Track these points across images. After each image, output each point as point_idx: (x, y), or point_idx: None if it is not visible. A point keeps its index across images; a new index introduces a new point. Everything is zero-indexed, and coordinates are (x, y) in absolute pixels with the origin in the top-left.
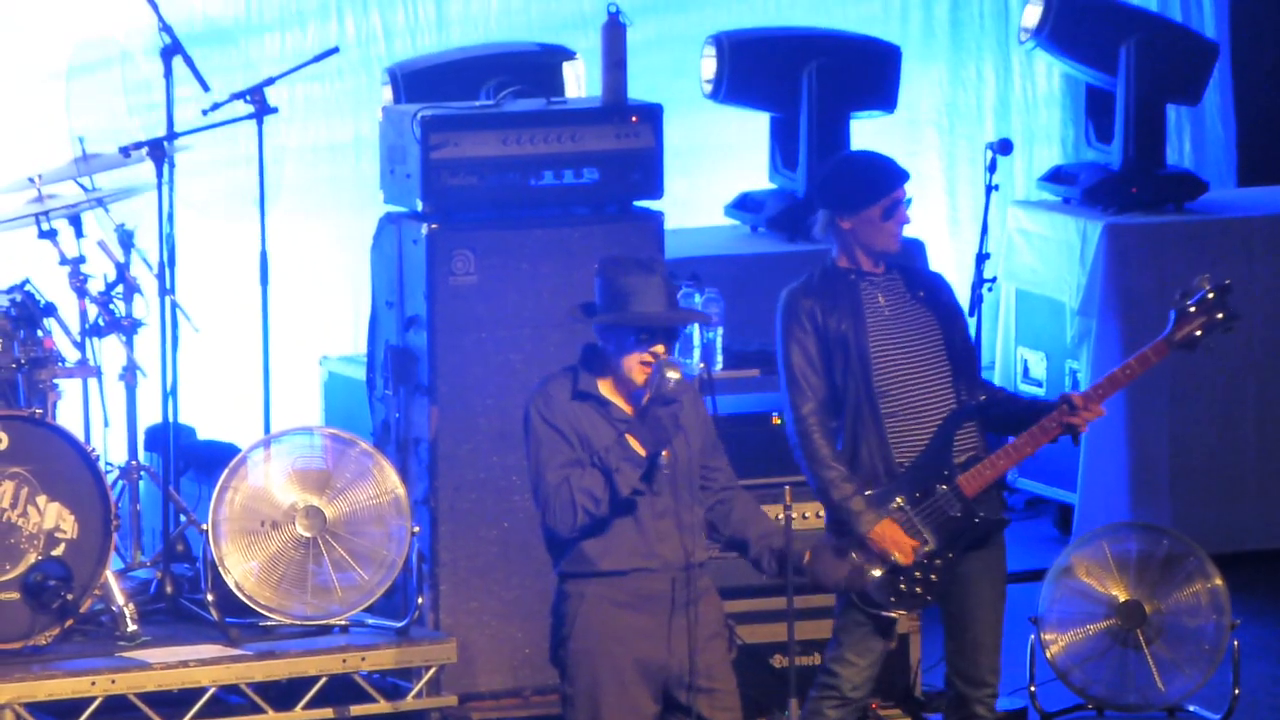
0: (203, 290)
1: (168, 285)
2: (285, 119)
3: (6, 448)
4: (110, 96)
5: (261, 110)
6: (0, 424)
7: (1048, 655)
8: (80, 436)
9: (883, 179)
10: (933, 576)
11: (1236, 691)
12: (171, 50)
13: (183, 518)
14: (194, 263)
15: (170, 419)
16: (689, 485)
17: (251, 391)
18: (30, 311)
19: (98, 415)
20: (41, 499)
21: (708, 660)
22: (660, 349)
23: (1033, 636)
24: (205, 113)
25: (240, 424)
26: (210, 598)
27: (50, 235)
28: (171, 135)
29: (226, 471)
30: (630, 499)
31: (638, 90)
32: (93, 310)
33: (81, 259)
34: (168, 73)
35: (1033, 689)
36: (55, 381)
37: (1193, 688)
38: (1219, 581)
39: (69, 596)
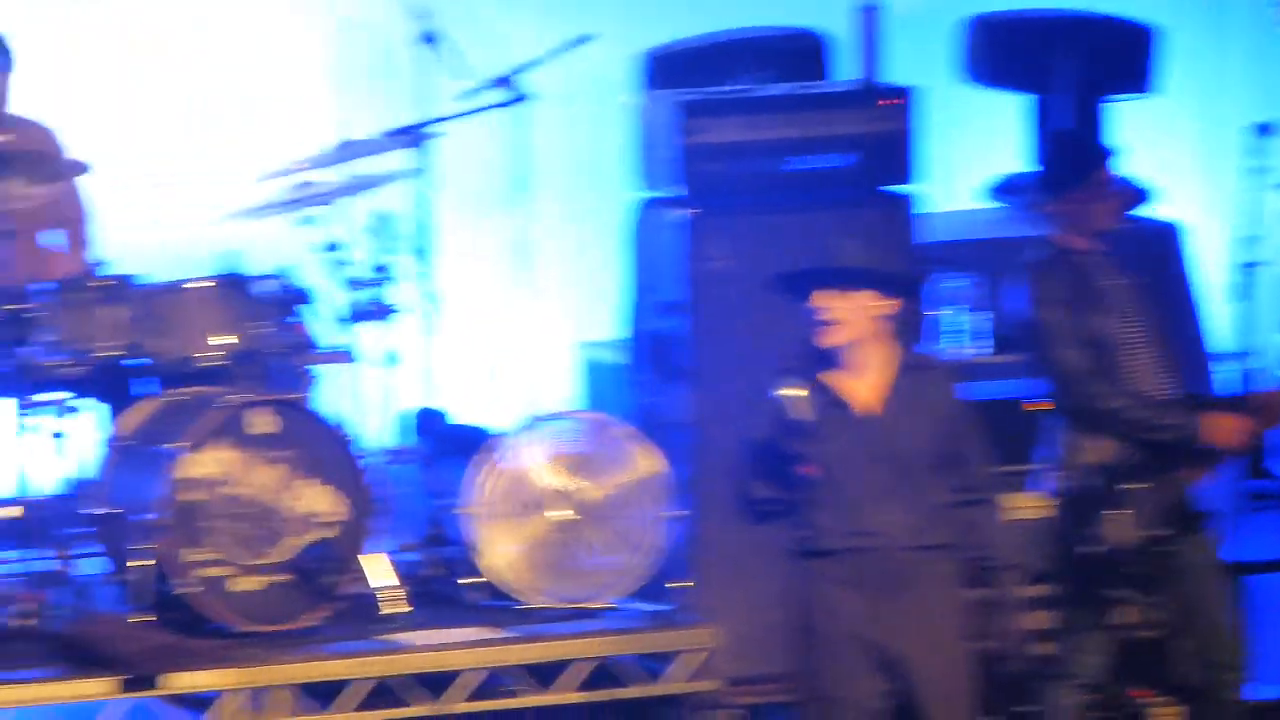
0: (460, 276)
1: (426, 271)
2: (542, 104)
3: (271, 431)
4: (371, 83)
5: (519, 96)
6: (263, 408)
7: None
8: (338, 420)
9: (1090, 158)
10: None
11: None
12: (431, 37)
13: (443, 502)
14: (452, 249)
15: (430, 404)
16: (916, 467)
17: (509, 377)
18: (290, 297)
19: (356, 401)
20: (307, 482)
21: (929, 646)
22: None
23: None
24: (464, 99)
25: (498, 409)
26: (471, 581)
27: (310, 222)
28: (431, 121)
29: (487, 455)
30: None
31: (894, 74)
32: (351, 296)
33: (340, 245)
34: (427, 59)
35: None
36: (313, 367)
37: None
38: None
39: (334, 579)
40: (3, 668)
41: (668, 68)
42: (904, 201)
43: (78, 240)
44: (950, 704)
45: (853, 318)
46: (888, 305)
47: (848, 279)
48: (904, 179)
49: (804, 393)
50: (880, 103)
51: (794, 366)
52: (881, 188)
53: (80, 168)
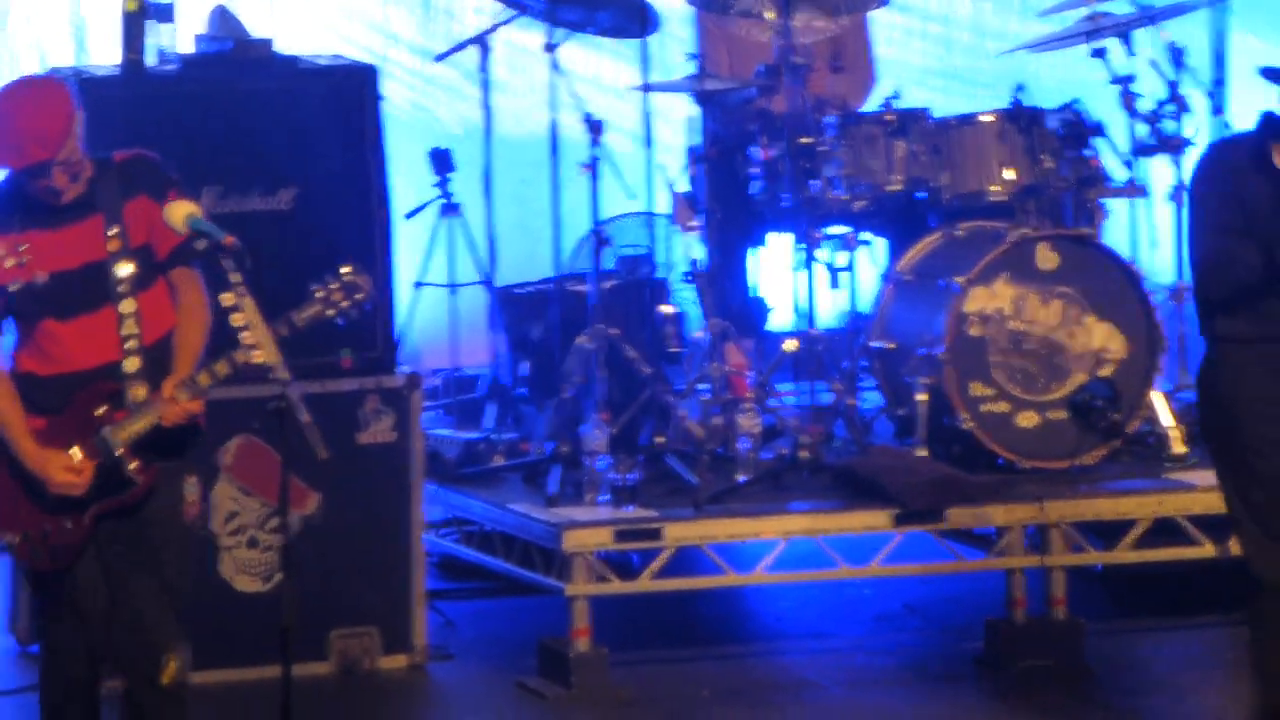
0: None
1: (1219, 104)
2: None
3: (1056, 267)
4: None
5: None
6: (1050, 243)
7: None
8: (1127, 257)
9: None
10: None
11: None
12: None
13: None
14: (1245, 80)
15: None
16: None
17: None
18: (1079, 130)
19: (1146, 235)
20: (1089, 319)
21: None
22: None
23: None
24: None
25: None
26: None
27: (1101, 54)
28: None
29: None
30: None
31: None
32: (1142, 129)
33: (1132, 77)
34: None
35: None
36: (1103, 201)
37: None
38: None
39: (1116, 417)
40: (783, 498)
41: None
42: None
43: (865, 73)
44: None
45: None
46: None
47: None
48: None
49: None
50: None
51: None
52: None
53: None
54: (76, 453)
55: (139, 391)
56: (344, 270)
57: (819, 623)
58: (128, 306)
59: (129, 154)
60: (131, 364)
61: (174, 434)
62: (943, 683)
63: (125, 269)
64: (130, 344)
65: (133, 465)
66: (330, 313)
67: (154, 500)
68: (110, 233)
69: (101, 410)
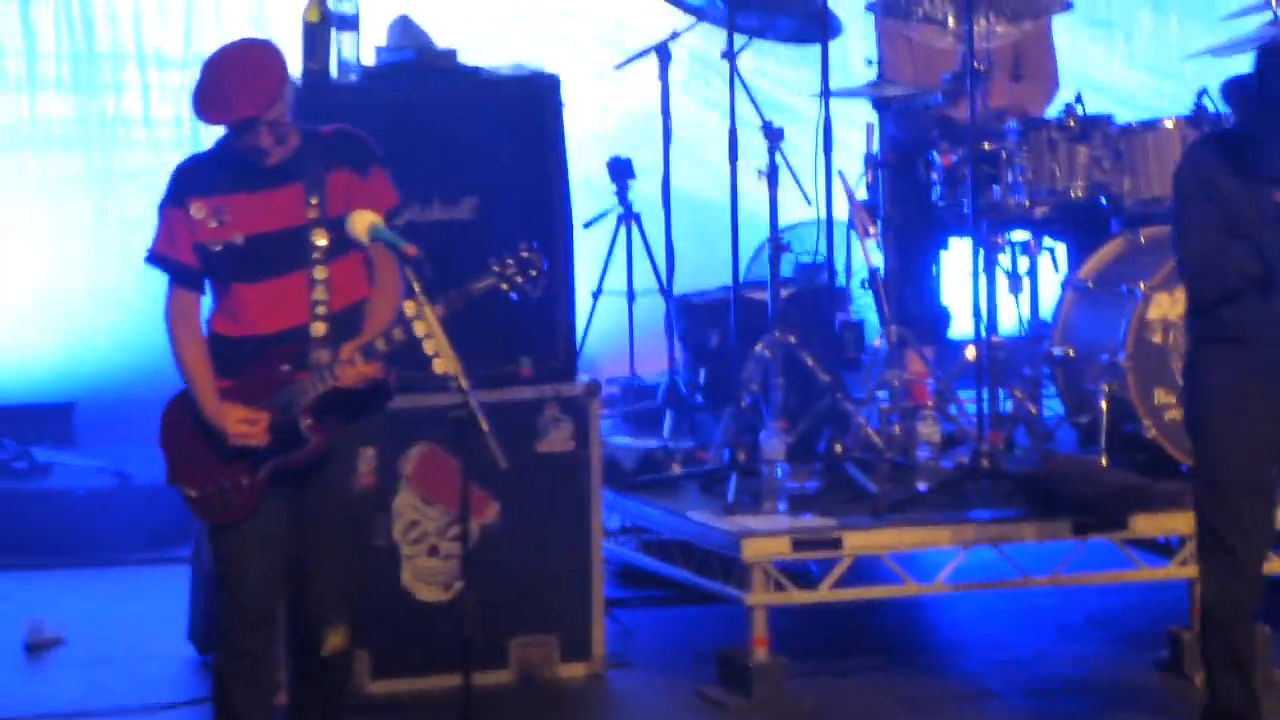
0: None
1: None
2: None
3: None
4: None
5: None
6: None
7: None
8: None
9: None
10: None
11: None
12: None
13: None
14: None
15: None
16: None
17: None
18: None
19: None
20: None
21: None
22: None
23: None
24: None
25: None
26: None
27: None
28: None
29: None
30: None
31: None
32: None
33: None
34: None
35: None
36: None
37: None
38: None
39: None
40: (960, 507)
41: None
42: None
43: (1048, 79)
44: None
45: None
46: None
47: None
48: None
49: None
50: None
51: None
52: None
53: (1064, 3)
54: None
55: (323, 356)
56: (523, 247)
57: (1000, 633)
58: (320, 273)
59: (336, 127)
60: (318, 329)
61: (353, 397)
62: (1126, 692)
63: (322, 238)
64: (320, 309)
65: (306, 424)
66: (504, 286)
67: (328, 467)
68: (311, 201)
69: (285, 369)
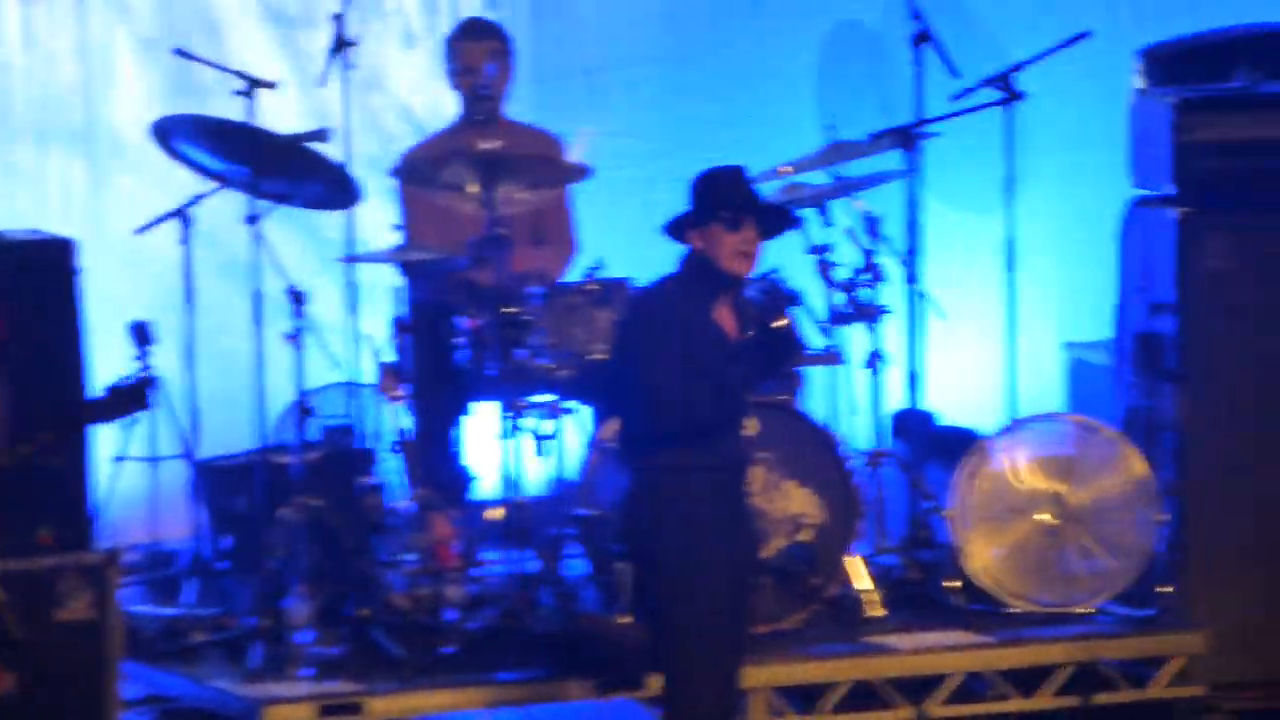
0: (946, 277)
1: (913, 273)
2: (1033, 104)
3: (756, 433)
4: (860, 83)
5: (1010, 96)
6: (756, 410)
7: None
8: (826, 423)
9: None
10: None
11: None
12: (922, 36)
13: (927, 504)
14: (939, 250)
15: (915, 405)
16: None
17: (995, 378)
18: (779, 299)
19: (844, 402)
20: (789, 484)
21: None
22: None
23: None
24: (953, 99)
25: (984, 410)
26: (954, 584)
27: (799, 223)
28: (921, 122)
29: (970, 457)
30: None
31: None
32: (839, 297)
33: (829, 246)
34: (917, 60)
35: None
36: (801, 368)
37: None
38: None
39: (815, 581)
40: (487, 669)
41: (1164, 65)
42: None
43: (567, 244)
44: None
45: None
46: None
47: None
48: None
49: None
50: None
51: None
52: None
53: (581, 172)
54: None
55: None
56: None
57: None
58: None
59: None
60: None
61: None
62: None
63: None
64: None
65: None
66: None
67: None
68: None
69: None
